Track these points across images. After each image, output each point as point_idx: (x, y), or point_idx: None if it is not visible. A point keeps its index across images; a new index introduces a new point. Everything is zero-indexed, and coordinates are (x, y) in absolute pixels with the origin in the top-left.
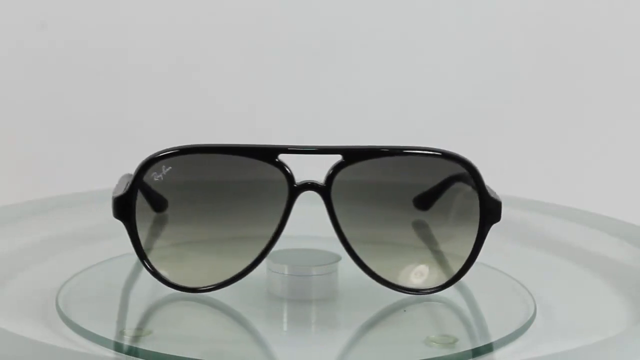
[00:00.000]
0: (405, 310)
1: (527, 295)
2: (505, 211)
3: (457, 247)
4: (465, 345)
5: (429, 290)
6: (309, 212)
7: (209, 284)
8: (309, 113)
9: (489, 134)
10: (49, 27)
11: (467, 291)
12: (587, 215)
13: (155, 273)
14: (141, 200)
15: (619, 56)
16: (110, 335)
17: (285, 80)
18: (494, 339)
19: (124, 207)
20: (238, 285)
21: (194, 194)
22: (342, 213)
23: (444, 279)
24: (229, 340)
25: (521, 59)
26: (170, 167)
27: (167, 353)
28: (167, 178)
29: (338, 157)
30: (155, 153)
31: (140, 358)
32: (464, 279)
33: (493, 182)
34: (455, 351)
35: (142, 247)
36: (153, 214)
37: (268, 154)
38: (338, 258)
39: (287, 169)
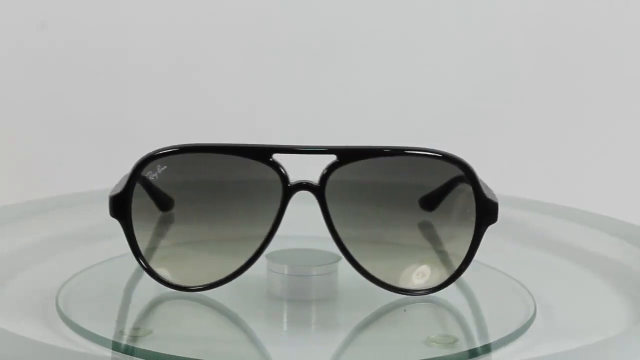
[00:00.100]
0: (405, 310)
1: (527, 295)
2: (505, 211)
3: (453, 248)
4: (465, 346)
5: (423, 292)
6: (309, 212)
7: (203, 283)
8: (309, 113)
9: (489, 134)
10: (49, 27)
11: (467, 291)
12: (587, 215)
13: (149, 271)
14: (137, 199)
15: (619, 56)
16: (110, 335)
17: (285, 80)
18: (494, 339)
19: (119, 206)
20: (238, 285)
21: (188, 193)
22: (336, 213)
23: (438, 281)
24: (228, 340)
25: (521, 59)
26: (165, 167)
27: (167, 353)
28: (163, 177)
29: (334, 157)
30: (151, 152)
31: (140, 358)
32: (464, 279)
33: (493, 182)
34: (455, 351)
35: (137, 245)
36: (149, 212)
37: (262, 154)
38: (338, 258)
39: (281, 169)
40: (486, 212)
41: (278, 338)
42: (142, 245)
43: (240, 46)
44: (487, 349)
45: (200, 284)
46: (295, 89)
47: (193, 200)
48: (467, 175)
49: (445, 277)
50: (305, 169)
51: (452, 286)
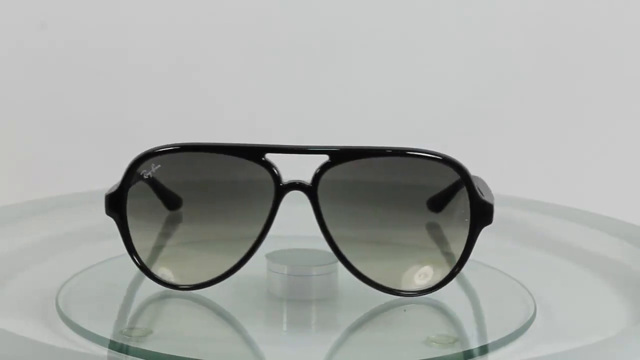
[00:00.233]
0: (405, 311)
1: (527, 295)
2: (505, 211)
3: (448, 249)
4: (465, 345)
5: (414, 293)
6: (309, 212)
7: (194, 282)
8: (309, 113)
9: (489, 134)
10: (49, 27)
11: (467, 291)
12: (587, 215)
13: (143, 268)
14: (132, 197)
15: (619, 56)
16: (110, 335)
17: (285, 80)
18: (494, 339)
19: (114, 204)
20: (238, 286)
21: (182, 192)
22: (329, 213)
23: (431, 282)
24: (228, 340)
25: (521, 59)
26: (159, 165)
27: (167, 353)
28: (157, 176)
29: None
30: (144, 151)
31: (140, 358)
32: (464, 279)
33: (493, 182)
34: (455, 351)
35: (131, 242)
36: (143, 211)
37: (255, 153)
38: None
39: (273, 169)
40: (481, 213)
41: (278, 338)
42: (137, 243)
43: (240, 46)
44: (487, 349)
45: (191, 283)
46: (295, 89)
47: (186, 199)
48: (461, 175)
49: (439, 279)
50: (304, 169)
51: (452, 286)
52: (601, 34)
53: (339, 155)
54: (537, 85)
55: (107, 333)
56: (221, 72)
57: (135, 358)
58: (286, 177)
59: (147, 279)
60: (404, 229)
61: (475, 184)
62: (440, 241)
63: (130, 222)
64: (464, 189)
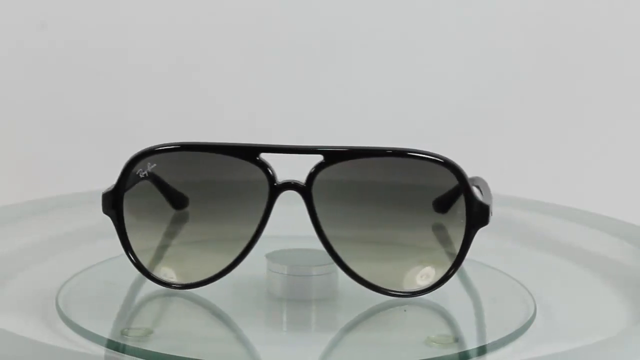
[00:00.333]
0: (405, 311)
1: (527, 295)
2: (505, 211)
3: (443, 250)
4: (465, 345)
5: (409, 294)
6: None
7: (188, 281)
8: (308, 113)
9: (489, 134)
10: (49, 27)
11: (467, 291)
12: (587, 215)
13: (138, 265)
14: (127, 196)
15: (619, 56)
16: (111, 335)
17: (285, 80)
18: (494, 339)
19: (111, 202)
20: (238, 285)
21: (176, 192)
22: (323, 213)
23: (426, 283)
24: (228, 340)
25: (521, 59)
26: (155, 164)
27: (167, 353)
28: (152, 175)
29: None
30: (141, 150)
31: (141, 358)
32: (464, 279)
33: (493, 182)
34: (455, 351)
35: (128, 240)
36: (139, 209)
37: (249, 153)
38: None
39: (268, 169)
40: (476, 214)
41: (278, 338)
42: (133, 241)
43: (240, 46)
44: (487, 348)
45: (185, 282)
46: (295, 89)
47: (181, 198)
48: (456, 175)
49: (434, 280)
50: (303, 169)
51: (452, 286)
52: (601, 34)
53: (333, 156)
54: (537, 85)
55: (107, 333)
56: (221, 72)
57: (135, 358)
58: (283, 177)
59: (147, 279)
60: (398, 230)
61: (471, 183)
62: (436, 242)
63: (127, 220)
64: (460, 189)
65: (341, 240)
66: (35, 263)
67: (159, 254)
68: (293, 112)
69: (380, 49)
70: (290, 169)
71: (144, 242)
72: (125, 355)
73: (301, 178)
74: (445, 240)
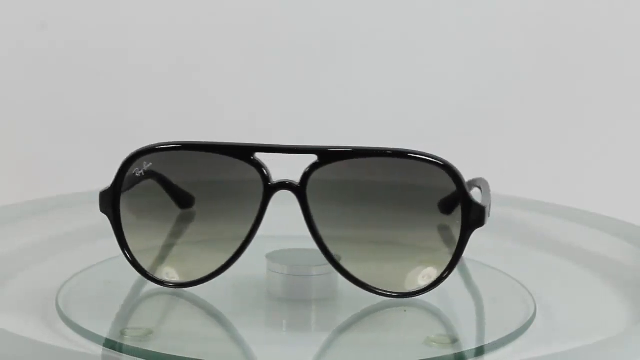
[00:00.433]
0: (405, 311)
1: (527, 295)
2: (505, 211)
3: (439, 251)
4: (465, 345)
5: (403, 295)
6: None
7: (182, 280)
8: (308, 113)
9: (489, 134)
10: (49, 27)
11: (467, 291)
12: (587, 215)
13: (134, 263)
14: (124, 195)
15: (619, 56)
16: (111, 335)
17: (285, 80)
18: (493, 339)
19: (108, 201)
20: (238, 285)
21: (172, 191)
22: (318, 213)
23: (422, 284)
24: (228, 340)
25: (521, 59)
26: (151, 164)
27: (167, 353)
28: (148, 174)
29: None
30: (137, 150)
31: (140, 358)
32: (464, 278)
33: (493, 182)
34: (455, 351)
35: (124, 238)
36: (135, 208)
37: (244, 153)
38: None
39: (262, 168)
40: (472, 215)
41: (278, 338)
42: (129, 240)
43: (240, 46)
44: (487, 349)
45: (179, 281)
46: (295, 89)
47: (176, 197)
48: (452, 177)
49: (429, 281)
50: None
51: (452, 286)
52: (601, 34)
53: (328, 155)
54: (537, 85)
55: (107, 333)
56: (221, 72)
57: (135, 358)
58: (279, 177)
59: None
60: (393, 230)
61: (468, 183)
62: (431, 243)
63: (123, 219)
64: (455, 189)
65: (335, 240)
66: (35, 263)
67: (155, 253)
68: (293, 112)
69: (380, 49)
70: (289, 169)
71: (141, 240)
72: (125, 355)
73: (298, 178)
74: (440, 242)
